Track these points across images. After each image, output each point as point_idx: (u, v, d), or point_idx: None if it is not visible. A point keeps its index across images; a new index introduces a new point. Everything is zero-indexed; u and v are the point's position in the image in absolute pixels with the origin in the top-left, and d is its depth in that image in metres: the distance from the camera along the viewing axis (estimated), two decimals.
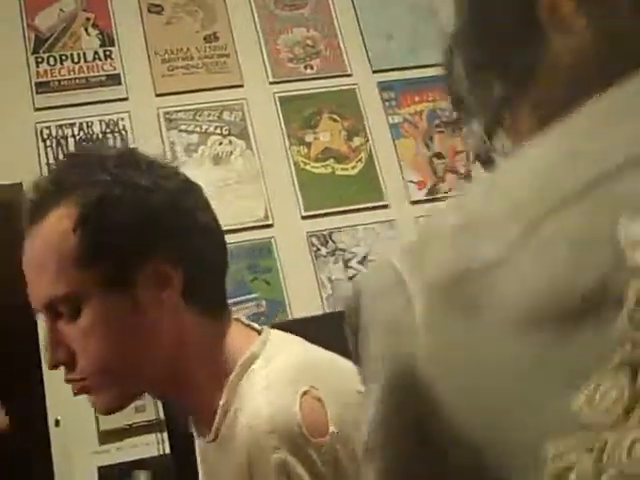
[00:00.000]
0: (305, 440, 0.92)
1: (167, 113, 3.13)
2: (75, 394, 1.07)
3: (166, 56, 3.23)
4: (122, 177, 1.02)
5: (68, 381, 1.06)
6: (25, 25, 3.16)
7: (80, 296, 0.99)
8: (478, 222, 0.48)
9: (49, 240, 1.03)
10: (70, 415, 2.65)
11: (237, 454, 0.95)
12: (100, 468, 2.61)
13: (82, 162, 1.09)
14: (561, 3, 0.54)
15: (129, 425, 2.65)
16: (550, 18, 0.55)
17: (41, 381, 2.70)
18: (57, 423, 2.64)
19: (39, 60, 3.13)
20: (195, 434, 1.12)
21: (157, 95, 3.17)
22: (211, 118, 3.16)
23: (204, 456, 1.13)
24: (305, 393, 0.95)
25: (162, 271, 1.00)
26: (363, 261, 3.01)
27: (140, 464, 2.64)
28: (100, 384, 1.03)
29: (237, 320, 1.09)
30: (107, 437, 2.66)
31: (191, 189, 1.10)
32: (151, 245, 1.00)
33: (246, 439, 0.94)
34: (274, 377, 0.98)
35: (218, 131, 3.15)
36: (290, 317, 2.84)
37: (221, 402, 1.00)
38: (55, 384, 2.68)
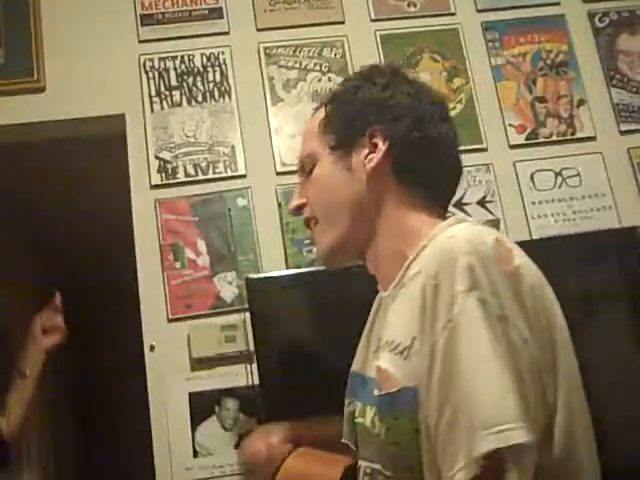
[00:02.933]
0: (494, 260, 1.05)
1: (267, 48, 3.14)
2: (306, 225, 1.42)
3: None
4: (366, 75, 1.37)
5: (306, 223, 1.42)
6: None
7: (316, 155, 1.37)
8: None
9: (311, 119, 1.44)
10: (164, 342, 2.75)
11: (428, 265, 1.10)
12: (191, 394, 2.70)
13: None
14: None
15: (220, 354, 2.72)
16: None
17: (138, 309, 2.79)
18: (152, 348, 2.73)
19: None
20: (380, 297, 1.37)
21: (258, 30, 3.17)
22: (311, 54, 3.15)
23: (382, 310, 1.33)
24: (499, 240, 1.10)
25: (371, 143, 1.30)
26: (458, 204, 2.98)
27: (229, 392, 2.71)
28: (321, 227, 1.36)
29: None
30: (198, 364, 2.73)
31: (425, 100, 1.36)
32: (367, 124, 1.30)
33: (441, 247, 1.10)
34: (474, 227, 1.17)
35: (317, 68, 3.13)
36: None
37: (422, 243, 1.20)
38: (151, 312, 2.77)
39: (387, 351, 1.15)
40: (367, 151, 1.30)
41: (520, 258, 1.10)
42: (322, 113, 1.38)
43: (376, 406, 1.16)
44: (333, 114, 1.35)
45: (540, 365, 1.03)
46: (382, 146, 1.29)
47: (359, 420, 1.26)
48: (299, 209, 1.41)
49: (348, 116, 1.32)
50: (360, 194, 1.30)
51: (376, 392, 1.15)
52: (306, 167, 1.39)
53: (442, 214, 1.33)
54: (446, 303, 1.02)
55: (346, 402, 1.39)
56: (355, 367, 1.40)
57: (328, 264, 1.39)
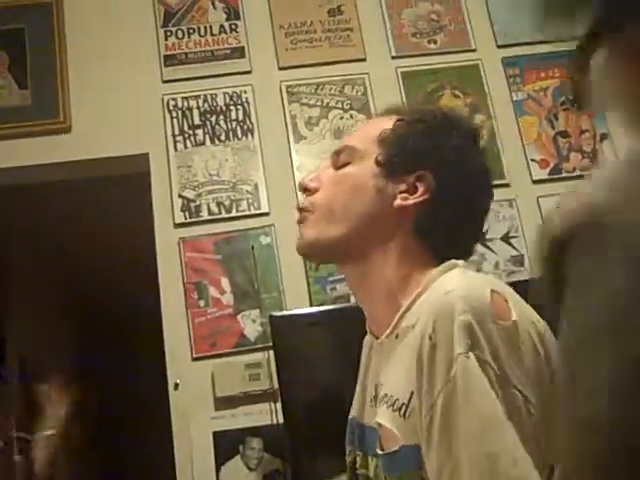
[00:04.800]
0: (490, 316, 1.02)
1: (289, 86, 3.16)
2: (298, 222, 1.33)
3: (290, 30, 3.26)
4: (449, 121, 1.31)
5: (300, 209, 1.33)
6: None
7: (359, 155, 1.30)
8: None
9: (377, 121, 1.38)
10: (188, 380, 2.74)
11: (426, 323, 1.06)
12: (215, 433, 2.69)
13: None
14: None
15: (244, 393, 2.71)
16: None
17: (162, 348, 2.80)
18: (176, 387, 2.73)
19: (168, 33, 3.21)
20: (371, 341, 1.33)
21: (280, 68, 3.20)
22: (333, 92, 3.17)
23: (375, 356, 1.30)
24: (495, 292, 1.06)
25: (414, 183, 1.25)
26: (481, 240, 2.97)
27: (253, 431, 2.70)
28: (317, 218, 1.29)
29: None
30: (222, 403, 2.73)
31: (471, 138, 1.33)
32: (422, 166, 1.25)
33: (437, 304, 1.07)
34: (472, 275, 1.15)
35: (339, 105, 3.15)
36: None
37: (416, 291, 1.18)
38: (175, 350, 2.77)
39: (386, 406, 1.13)
40: (405, 187, 1.25)
41: (516, 308, 1.06)
42: (390, 122, 1.30)
43: (380, 463, 1.14)
44: (399, 134, 1.28)
45: (541, 422, 1.01)
46: (422, 194, 1.24)
47: (361, 471, 1.25)
48: (307, 190, 1.33)
49: (411, 148, 1.27)
50: (374, 219, 1.25)
51: (379, 451, 1.14)
52: (341, 158, 1.31)
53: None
54: (444, 364, 1.00)
55: (347, 450, 1.36)
56: (354, 413, 1.37)
57: (301, 253, 1.33)
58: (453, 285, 1.08)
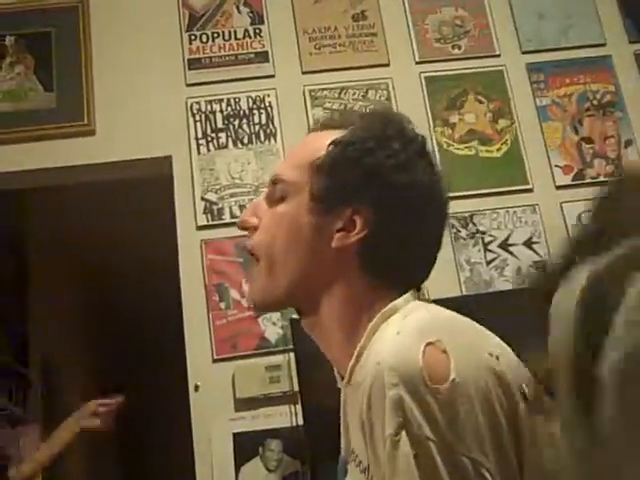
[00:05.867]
0: (423, 383, 0.94)
1: (312, 91, 3.17)
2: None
3: (314, 34, 3.27)
4: (385, 137, 1.16)
5: (249, 250, 1.24)
6: (180, 3, 3.27)
7: (292, 189, 1.18)
8: None
9: (311, 141, 1.23)
10: (209, 382, 2.75)
11: (363, 393, 0.99)
12: (235, 435, 2.70)
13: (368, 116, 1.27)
14: None
15: (264, 395, 2.71)
16: None
17: (183, 349, 2.81)
18: (196, 388, 2.74)
19: (192, 37, 3.22)
20: (337, 379, 1.22)
21: (303, 73, 3.21)
22: (356, 97, 3.17)
23: (344, 399, 1.21)
24: (430, 344, 0.97)
25: (351, 218, 1.13)
26: (503, 245, 2.96)
27: (273, 433, 2.70)
28: (260, 270, 1.20)
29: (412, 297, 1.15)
30: (243, 405, 2.73)
31: (421, 158, 1.18)
32: (357, 199, 1.13)
33: (372, 375, 0.98)
34: (406, 327, 1.03)
35: (362, 110, 3.15)
36: (427, 298, 2.83)
37: (359, 344, 1.08)
38: (196, 352, 2.78)
39: (354, 465, 1.10)
40: (341, 225, 1.13)
41: (457, 355, 0.97)
42: (326, 142, 1.18)
43: None
44: (332, 161, 1.16)
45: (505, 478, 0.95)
46: (359, 232, 1.13)
47: None
48: (246, 228, 1.23)
49: (348, 176, 1.14)
50: (313, 264, 1.15)
51: None
52: (277, 192, 1.20)
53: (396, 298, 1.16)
54: (381, 444, 0.95)
55: None
56: (342, 451, 1.29)
57: (256, 309, 1.27)
58: (384, 352, 0.99)
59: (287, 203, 1.18)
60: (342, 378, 1.18)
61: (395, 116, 1.22)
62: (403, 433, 0.92)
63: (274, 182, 1.21)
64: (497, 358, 1.00)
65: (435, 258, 1.20)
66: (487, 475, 0.92)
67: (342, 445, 1.28)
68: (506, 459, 0.95)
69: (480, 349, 1.01)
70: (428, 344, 0.97)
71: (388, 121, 1.20)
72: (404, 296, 1.13)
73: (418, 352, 0.96)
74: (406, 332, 1.01)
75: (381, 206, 1.13)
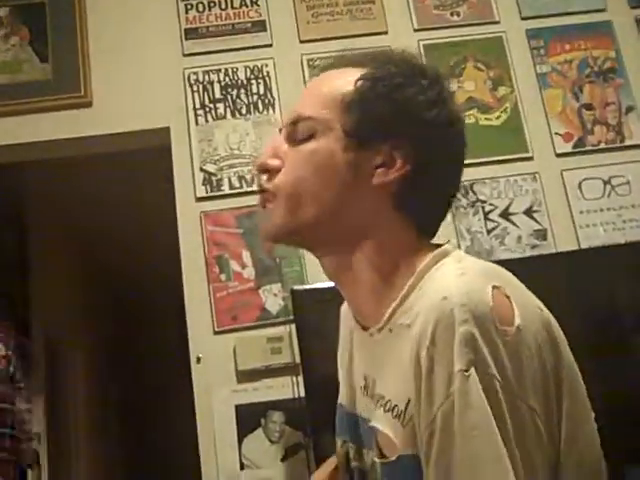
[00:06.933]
0: (493, 324, 0.94)
1: (310, 60, 3.14)
2: (262, 205, 1.17)
3: (311, 3, 3.23)
4: (415, 72, 1.14)
5: (261, 190, 1.17)
6: None
7: (323, 126, 1.13)
8: None
9: (333, 78, 1.18)
10: (210, 354, 2.75)
11: (422, 331, 0.97)
12: (237, 406, 2.70)
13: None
14: None
15: (265, 366, 2.72)
16: None
17: (184, 321, 2.81)
18: (198, 360, 2.74)
19: (188, 7, 3.19)
20: (354, 326, 1.22)
21: (301, 42, 3.18)
22: None
23: (362, 345, 1.20)
24: (496, 287, 0.98)
25: (391, 155, 1.11)
26: (504, 214, 2.95)
27: (275, 405, 2.71)
28: (283, 201, 1.13)
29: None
30: (244, 377, 2.74)
31: (457, 120, 1.17)
32: (396, 133, 1.11)
33: (436, 309, 0.96)
34: (469, 269, 1.03)
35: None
36: None
37: (408, 283, 1.07)
38: (197, 324, 2.78)
39: (383, 411, 1.06)
40: (381, 161, 1.10)
41: (519, 302, 0.99)
42: (346, 77, 1.14)
43: (379, 469, 1.09)
44: (365, 96, 1.11)
45: (547, 429, 0.96)
46: (401, 168, 1.10)
47: (354, 464, 1.21)
48: (267, 171, 1.16)
49: (382, 111, 1.10)
50: (350, 201, 1.11)
51: (376, 459, 1.08)
52: (300, 130, 1.14)
53: (429, 243, 1.15)
54: (443, 379, 0.93)
55: (338, 442, 1.30)
56: (343, 401, 1.29)
57: (266, 239, 1.17)
58: (451, 288, 0.98)
59: (316, 140, 1.13)
60: (359, 324, 1.19)
61: (415, 56, 1.21)
62: (472, 370, 0.92)
63: (295, 122, 1.15)
64: (543, 311, 1.02)
65: (450, 205, 1.20)
66: (539, 423, 0.95)
67: (342, 393, 1.29)
68: (551, 411, 0.97)
69: (532, 301, 1.03)
70: (494, 287, 0.98)
71: (412, 57, 1.19)
72: (450, 241, 1.13)
73: (488, 293, 0.96)
74: (472, 274, 1.02)
75: (421, 141, 1.11)
